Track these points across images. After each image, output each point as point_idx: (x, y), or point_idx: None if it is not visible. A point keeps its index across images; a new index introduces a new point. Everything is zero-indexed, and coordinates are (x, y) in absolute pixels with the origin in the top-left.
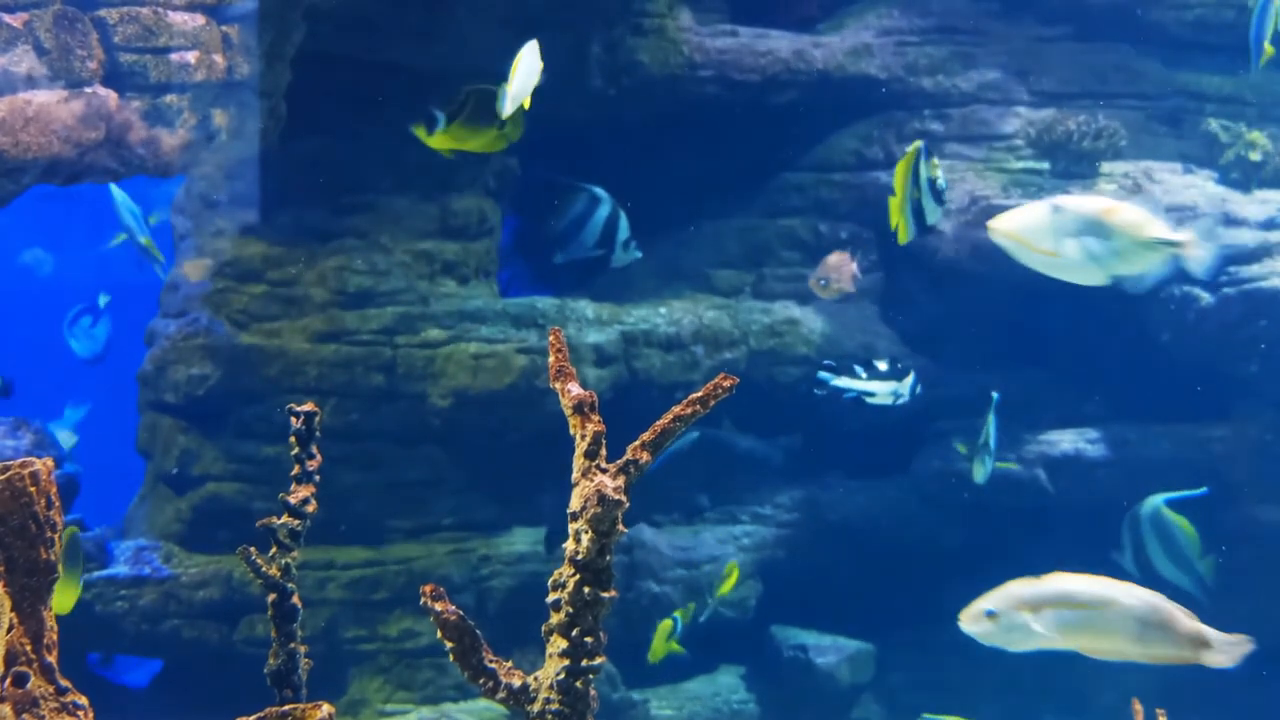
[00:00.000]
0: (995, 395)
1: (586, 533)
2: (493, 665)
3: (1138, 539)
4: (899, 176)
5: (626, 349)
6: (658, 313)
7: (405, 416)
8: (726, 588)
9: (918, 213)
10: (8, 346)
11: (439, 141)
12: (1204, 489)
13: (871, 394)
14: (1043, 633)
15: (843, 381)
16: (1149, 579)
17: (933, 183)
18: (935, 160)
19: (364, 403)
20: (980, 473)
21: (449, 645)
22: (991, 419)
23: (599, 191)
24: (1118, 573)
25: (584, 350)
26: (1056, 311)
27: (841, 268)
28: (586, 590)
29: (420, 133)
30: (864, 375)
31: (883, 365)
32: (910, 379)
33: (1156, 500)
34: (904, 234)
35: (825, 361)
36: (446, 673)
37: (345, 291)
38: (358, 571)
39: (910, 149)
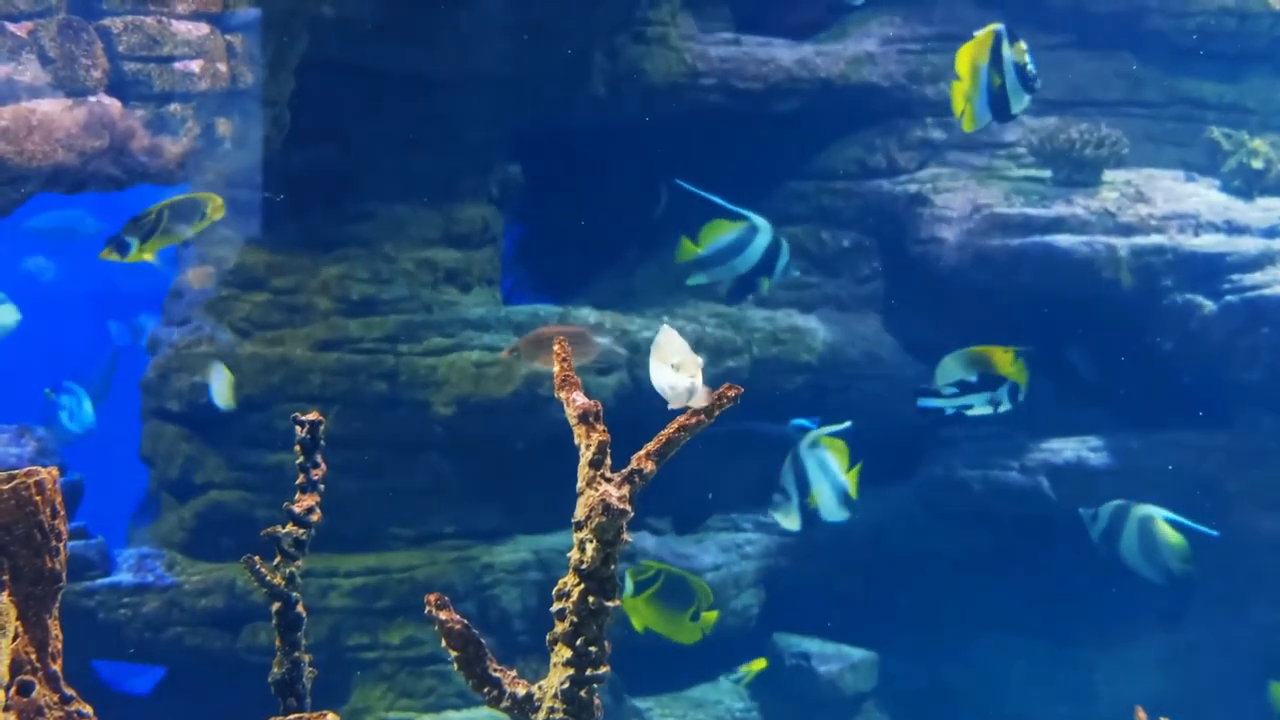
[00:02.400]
0: (806, 424)
1: (591, 542)
2: (497, 674)
3: (1115, 528)
4: (968, 60)
5: (630, 357)
6: (661, 321)
7: (408, 425)
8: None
9: (996, 100)
10: (10, 350)
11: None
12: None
13: (969, 406)
14: None
15: (939, 402)
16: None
17: (1020, 68)
18: (1021, 44)
19: (367, 411)
20: (790, 520)
21: (453, 654)
22: (801, 455)
23: (758, 221)
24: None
25: None
26: (1059, 320)
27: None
28: (591, 599)
29: (113, 256)
30: (957, 392)
31: (972, 378)
32: (1005, 386)
33: (1151, 510)
34: (971, 121)
35: (920, 386)
36: (449, 681)
37: (348, 299)
38: (361, 579)
39: (985, 30)
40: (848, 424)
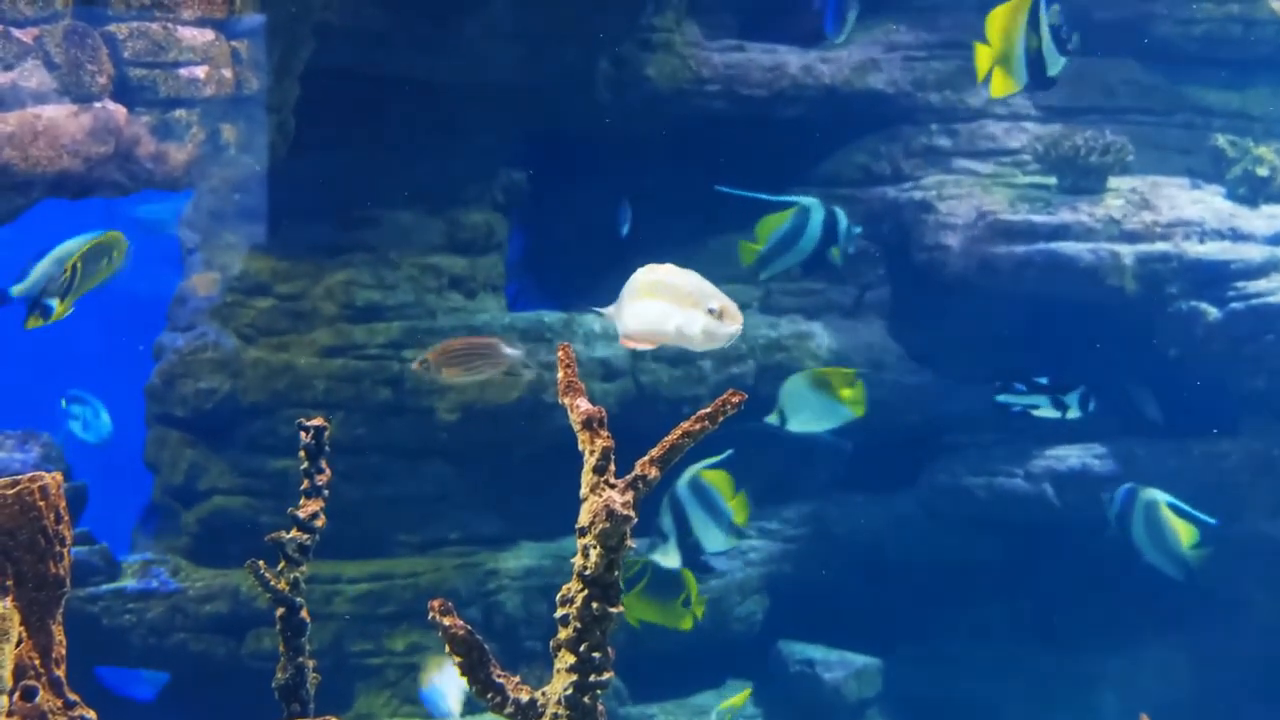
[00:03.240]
0: (692, 474)
1: (595, 548)
2: (500, 680)
3: (1126, 512)
4: (1001, 23)
5: (634, 363)
6: None
7: (412, 430)
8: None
9: (1033, 63)
10: (12, 356)
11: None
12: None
13: (1036, 406)
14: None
15: (1010, 399)
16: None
17: (1056, 30)
18: (1056, 5)
19: (371, 417)
20: (669, 559)
21: (457, 660)
22: (679, 494)
23: (806, 201)
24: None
25: (591, 365)
26: (1064, 326)
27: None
28: (595, 605)
29: (39, 322)
30: (1025, 390)
31: (1044, 380)
32: (1078, 392)
33: (1156, 495)
34: (1005, 85)
35: (995, 383)
36: None
37: (353, 305)
38: (365, 585)
39: None
40: (729, 452)
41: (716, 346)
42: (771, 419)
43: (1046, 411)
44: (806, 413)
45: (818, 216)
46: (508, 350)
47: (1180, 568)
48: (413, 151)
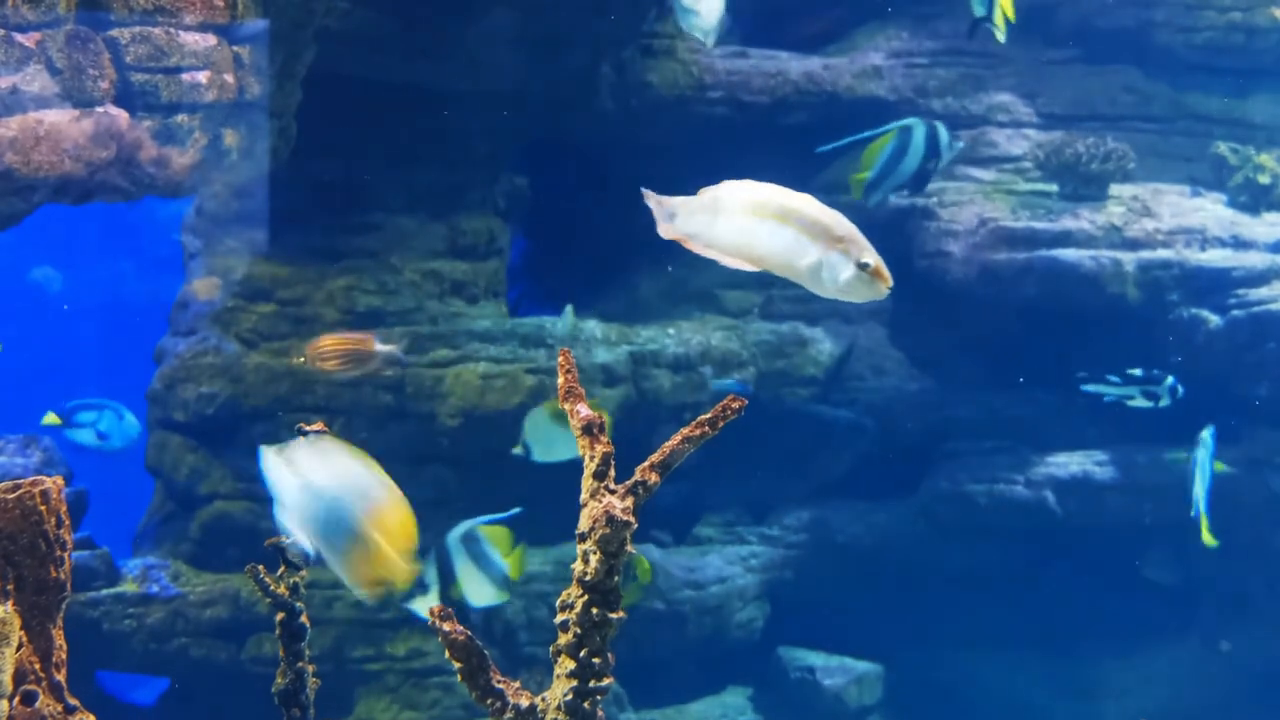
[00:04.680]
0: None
1: (595, 553)
2: (500, 685)
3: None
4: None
5: (635, 369)
6: (666, 333)
7: (413, 436)
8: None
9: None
10: (15, 362)
11: None
12: None
13: (1130, 397)
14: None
15: (1100, 388)
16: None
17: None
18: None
19: (372, 422)
20: (420, 604)
21: (457, 665)
22: (449, 548)
23: (909, 121)
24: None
25: (592, 371)
26: (1065, 333)
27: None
28: (594, 611)
29: None
30: (1118, 381)
31: (1136, 371)
32: (1169, 381)
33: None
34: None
35: (1080, 374)
36: (454, 692)
37: (354, 311)
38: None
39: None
40: (517, 510)
41: (844, 299)
42: (517, 450)
43: (1140, 402)
44: (549, 444)
45: (920, 133)
46: (380, 347)
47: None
48: (414, 157)
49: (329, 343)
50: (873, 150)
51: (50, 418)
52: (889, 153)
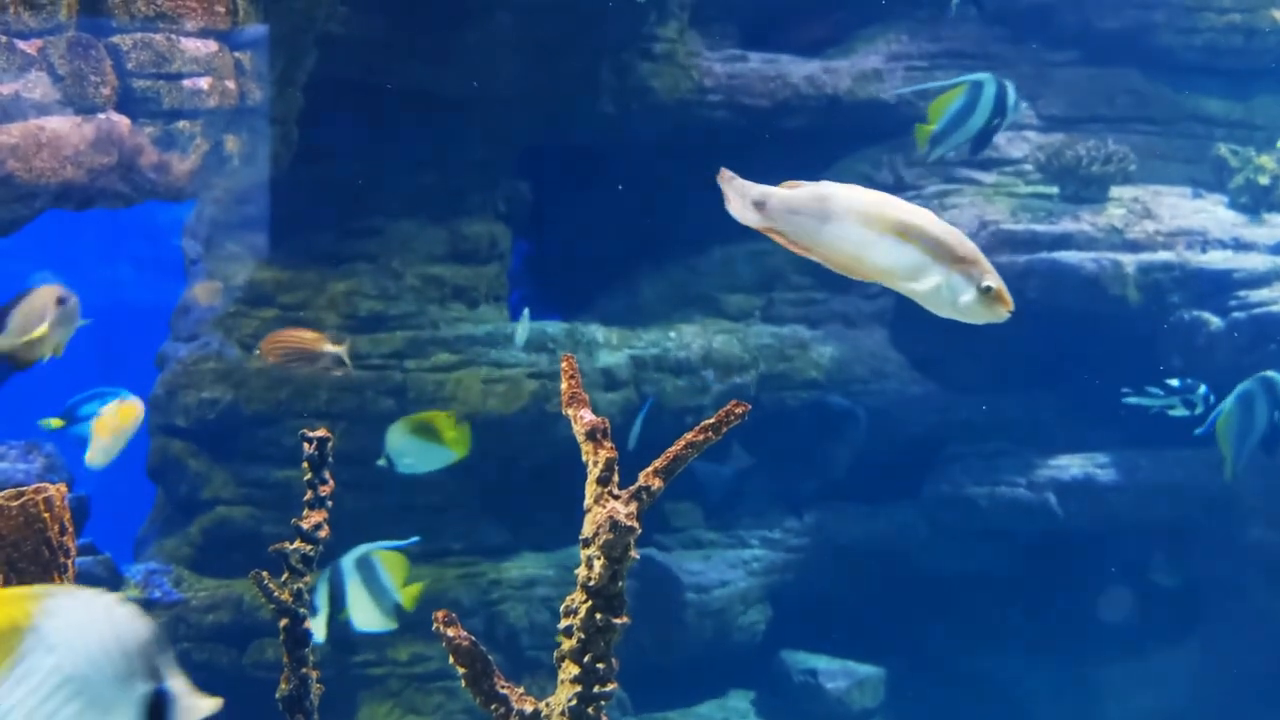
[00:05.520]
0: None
1: (599, 559)
2: (504, 690)
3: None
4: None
5: (637, 373)
6: (668, 337)
7: None
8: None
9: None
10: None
11: None
12: None
13: (1171, 407)
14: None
15: (1142, 400)
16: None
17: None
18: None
19: (374, 427)
20: (318, 630)
21: (460, 670)
22: (342, 571)
23: (979, 76)
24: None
25: (594, 375)
26: (1066, 335)
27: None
28: (598, 616)
29: None
30: (1160, 394)
31: (1174, 382)
32: (1202, 390)
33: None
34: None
35: (1123, 390)
36: (456, 697)
37: (356, 315)
38: None
39: None
40: (415, 539)
41: (961, 320)
42: (381, 462)
43: (1180, 410)
44: (411, 457)
45: (990, 90)
46: (329, 348)
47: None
48: (415, 162)
49: (281, 338)
50: (941, 102)
51: (51, 422)
52: (958, 107)
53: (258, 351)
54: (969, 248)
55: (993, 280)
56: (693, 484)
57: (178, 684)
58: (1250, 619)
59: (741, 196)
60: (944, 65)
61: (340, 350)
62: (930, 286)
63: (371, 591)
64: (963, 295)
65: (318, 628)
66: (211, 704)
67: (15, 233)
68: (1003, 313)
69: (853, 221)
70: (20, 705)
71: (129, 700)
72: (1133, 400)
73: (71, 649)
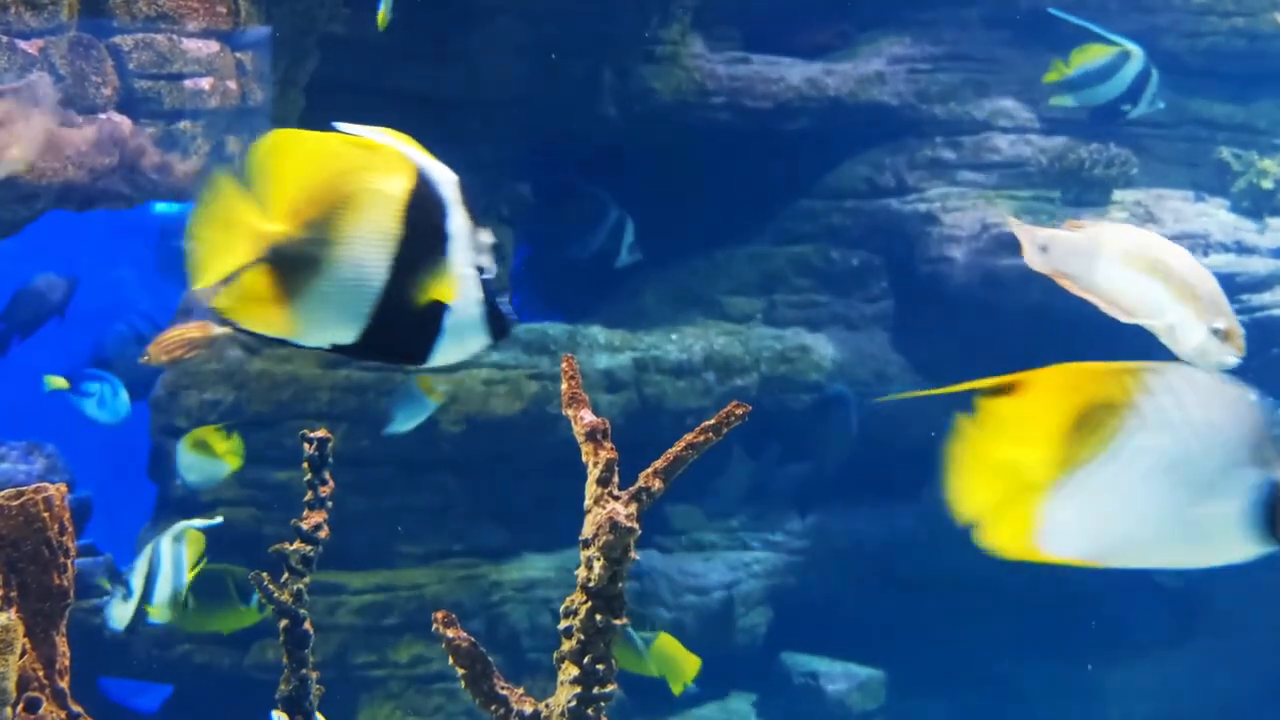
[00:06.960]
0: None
1: (598, 560)
2: (504, 692)
3: None
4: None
5: (638, 375)
6: (669, 339)
7: (416, 442)
8: None
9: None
10: (16, 367)
11: None
12: None
13: None
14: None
15: None
16: None
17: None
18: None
19: (375, 428)
20: (118, 618)
21: (460, 671)
22: (160, 548)
23: (1132, 46)
24: None
25: (595, 376)
26: (1068, 339)
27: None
28: (598, 617)
29: None
30: None
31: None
32: None
33: None
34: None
35: None
36: (457, 699)
37: None
38: (368, 597)
39: None
40: (219, 520)
41: (1196, 361)
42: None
43: None
44: (193, 473)
45: (1135, 65)
46: (216, 331)
47: None
48: None
49: (166, 339)
50: (1086, 53)
51: (57, 381)
52: (1099, 66)
53: (145, 359)
54: (1209, 288)
55: (1224, 322)
56: (713, 479)
57: None
58: (1254, 620)
59: (1031, 242)
60: (946, 68)
61: (227, 331)
62: (1167, 323)
63: (172, 575)
64: (1194, 335)
65: (117, 613)
66: None
67: (16, 234)
68: (1230, 358)
69: (1115, 259)
70: (1118, 483)
71: (1235, 488)
72: None
73: (1179, 428)
